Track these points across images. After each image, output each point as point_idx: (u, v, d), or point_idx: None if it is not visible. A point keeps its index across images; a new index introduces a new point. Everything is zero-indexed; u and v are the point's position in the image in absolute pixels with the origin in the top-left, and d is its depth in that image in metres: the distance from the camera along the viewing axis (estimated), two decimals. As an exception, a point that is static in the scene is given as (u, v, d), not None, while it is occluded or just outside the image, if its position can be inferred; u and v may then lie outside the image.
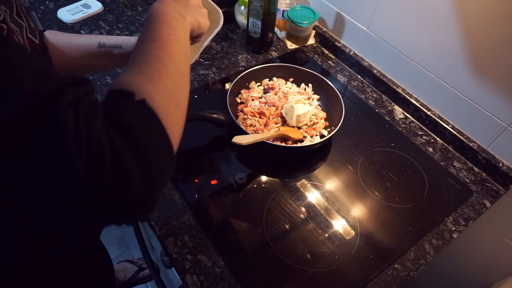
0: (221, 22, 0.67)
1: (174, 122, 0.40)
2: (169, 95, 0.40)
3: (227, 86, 1.04)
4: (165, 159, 0.36)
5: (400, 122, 1.02)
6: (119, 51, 0.71)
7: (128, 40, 0.71)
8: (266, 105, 0.94)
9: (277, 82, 1.01)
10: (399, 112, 1.05)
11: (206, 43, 0.68)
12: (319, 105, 0.98)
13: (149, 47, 0.43)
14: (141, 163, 0.33)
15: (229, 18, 1.24)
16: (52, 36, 0.66)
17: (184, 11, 0.52)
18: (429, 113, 0.99)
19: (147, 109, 0.36)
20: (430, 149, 0.96)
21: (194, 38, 0.57)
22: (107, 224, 0.36)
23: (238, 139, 0.76)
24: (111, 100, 0.37)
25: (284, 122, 0.92)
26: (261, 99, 0.96)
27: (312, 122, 0.93)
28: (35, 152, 0.29)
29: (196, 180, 0.82)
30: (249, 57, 1.14)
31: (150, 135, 0.35)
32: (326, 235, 0.76)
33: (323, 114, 0.95)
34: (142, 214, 0.36)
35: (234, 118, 0.85)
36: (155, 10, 0.48)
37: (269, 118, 0.91)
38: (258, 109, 0.92)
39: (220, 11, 0.67)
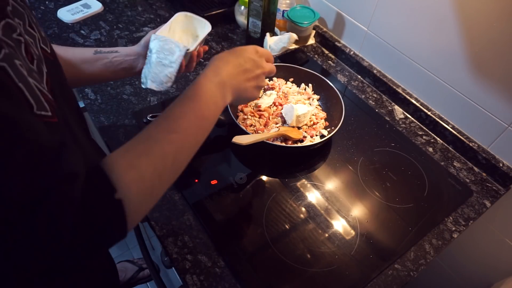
0: (207, 31, 0.76)
1: (147, 207, 0.46)
2: (155, 187, 0.46)
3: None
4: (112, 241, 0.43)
5: (400, 122, 1.02)
6: (114, 55, 0.73)
7: (125, 48, 0.74)
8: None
9: (277, 82, 1.00)
10: (399, 112, 1.05)
11: (199, 41, 0.75)
12: (319, 105, 0.98)
13: (166, 134, 0.47)
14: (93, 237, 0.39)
15: (229, 18, 1.24)
16: None
17: (231, 89, 0.57)
18: (429, 113, 0.99)
19: (119, 211, 0.40)
20: (430, 149, 0.96)
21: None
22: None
23: (238, 139, 0.76)
24: (95, 184, 0.40)
25: (284, 122, 0.92)
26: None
27: (312, 122, 0.93)
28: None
29: (196, 180, 0.82)
30: (249, 57, 1.14)
31: (107, 231, 0.41)
32: (326, 235, 0.76)
33: (323, 114, 0.95)
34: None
35: (234, 118, 0.85)
36: (197, 89, 0.53)
37: (269, 118, 0.91)
38: (258, 108, 0.92)
39: (207, 22, 0.77)
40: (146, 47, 0.74)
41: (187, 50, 0.71)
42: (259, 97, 0.61)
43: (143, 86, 0.73)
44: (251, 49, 0.63)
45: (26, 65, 0.39)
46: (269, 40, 0.76)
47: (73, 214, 0.36)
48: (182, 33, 0.80)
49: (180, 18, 0.77)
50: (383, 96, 1.08)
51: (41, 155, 0.34)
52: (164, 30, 0.74)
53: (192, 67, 0.77)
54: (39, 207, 0.34)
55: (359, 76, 1.13)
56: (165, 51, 0.71)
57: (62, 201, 0.35)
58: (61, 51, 0.69)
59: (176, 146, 0.48)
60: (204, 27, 0.77)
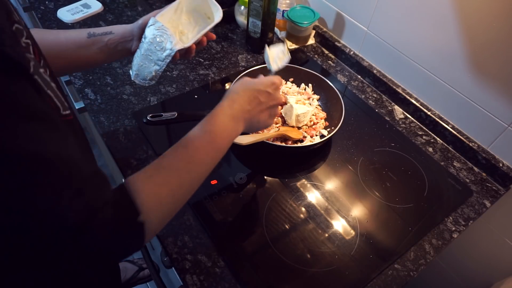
0: (216, 20, 0.72)
1: (162, 226, 0.52)
2: (171, 211, 0.52)
3: (227, 86, 1.04)
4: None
5: (400, 122, 1.02)
6: (109, 37, 0.70)
7: (119, 27, 0.71)
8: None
9: (277, 82, 1.00)
10: (399, 112, 1.05)
11: (199, 36, 0.71)
12: (319, 105, 0.98)
13: (185, 164, 0.53)
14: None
15: (229, 18, 1.24)
16: (38, 34, 0.62)
17: (244, 121, 0.61)
18: (429, 113, 0.99)
19: (140, 232, 0.46)
20: (430, 149, 0.96)
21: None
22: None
23: (238, 139, 0.76)
24: (122, 206, 0.45)
25: (284, 122, 0.92)
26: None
27: (312, 122, 0.93)
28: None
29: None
30: (249, 57, 1.14)
31: (128, 246, 0.46)
32: (326, 235, 0.76)
33: (323, 114, 0.95)
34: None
35: (234, 118, 0.85)
36: (213, 122, 0.57)
37: (269, 118, 0.91)
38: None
39: (219, 8, 0.72)
40: (142, 29, 0.70)
41: (182, 47, 0.68)
42: (272, 125, 0.64)
43: (130, 73, 0.71)
44: (266, 81, 0.65)
45: (41, 67, 0.40)
46: (271, 58, 0.75)
47: (107, 234, 0.41)
48: (191, 12, 0.74)
49: None
50: (383, 96, 1.08)
51: (83, 185, 0.39)
52: (170, 10, 0.69)
53: (190, 57, 0.74)
54: (84, 232, 0.39)
55: (359, 76, 1.13)
56: (156, 44, 0.67)
57: (101, 225, 0.40)
58: (52, 36, 0.66)
59: (193, 176, 0.54)
60: (216, 13, 0.72)
